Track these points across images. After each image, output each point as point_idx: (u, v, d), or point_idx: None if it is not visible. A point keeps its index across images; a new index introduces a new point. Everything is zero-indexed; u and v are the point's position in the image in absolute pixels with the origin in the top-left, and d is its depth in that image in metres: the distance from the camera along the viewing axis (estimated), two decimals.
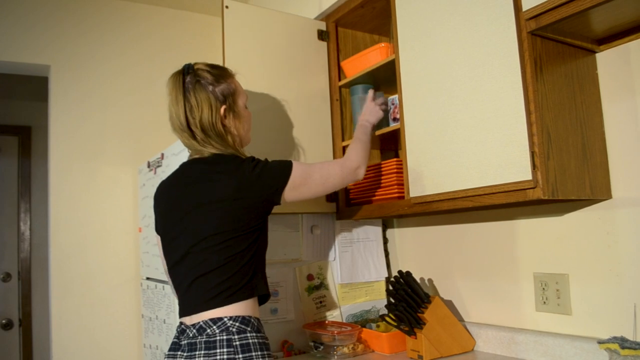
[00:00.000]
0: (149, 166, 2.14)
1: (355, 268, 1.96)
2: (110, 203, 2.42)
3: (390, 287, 1.64)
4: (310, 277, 1.89)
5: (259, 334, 1.23)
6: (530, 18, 1.21)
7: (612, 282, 1.35)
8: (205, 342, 1.18)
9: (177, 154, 1.78)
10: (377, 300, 2.00)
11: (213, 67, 1.38)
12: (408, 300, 1.57)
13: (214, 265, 1.24)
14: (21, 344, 3.61)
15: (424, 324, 1.54)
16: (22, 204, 3.73)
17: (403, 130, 1.57)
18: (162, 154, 1.96)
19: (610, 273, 1.36)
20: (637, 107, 1.31)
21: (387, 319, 1.64)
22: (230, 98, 1.36)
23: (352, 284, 1.95)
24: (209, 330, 1.19)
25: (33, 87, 3.26)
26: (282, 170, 1.32)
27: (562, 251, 1.46)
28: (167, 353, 1.29)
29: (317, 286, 1.90)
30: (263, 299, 1.34)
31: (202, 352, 1.17)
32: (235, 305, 1.22)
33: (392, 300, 1.62)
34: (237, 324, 1.20)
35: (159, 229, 1.42)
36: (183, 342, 1.24)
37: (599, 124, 1.37)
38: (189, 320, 1.26)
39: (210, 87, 1.33)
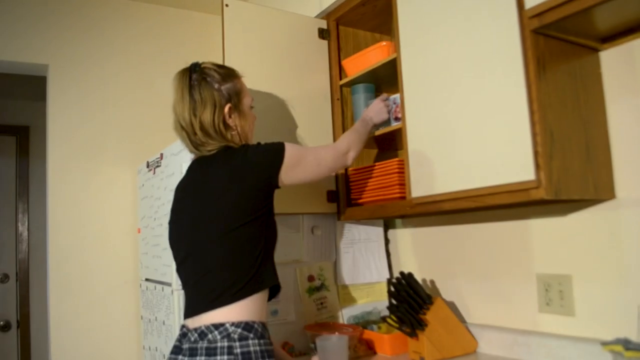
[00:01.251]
0: (148, 166, 2.13)
1: (357, 269, 1.95)
2: (109, 204, 2.41)
3: (392, 288, 1.62)
4: (311, 278, 1.88)
5: (262, 340, 1.20)
6: (534, 16, 1.20)
7: (615, 283, 1.34)
8: (207, 348, 1.16)
9: (177, 154, 1.77)
10: (379, 301, 1.99)
11: (220, 66, 1.39)
12: (410, 301, 1.56)
13: (219, 259, 1.22)
14: (19, 345, 3.60)
15: (426, 325, 1.53)
16: (19, 205, 3.71)
17: (405, 129, 1.56)
18: (162, 154, 1.95)
19: (614, 274, 1.34)
20: None
21: (389, 320, 1.62)
22: (235, 97, 1.37)
23: (353, 285, 1.94)
24: (210, 336, 1.17)
25: (31, 87, 3.25)
26: (275, 151, 1.31)
27: (566, 252, 1.45)
28: (169, 356, 1.27)
29: (317, 287, 1.88)
30: (273, 292, 1.31)
31: (203, 357, 1.15)
32: (240, 304, 1.19)
33: (394, 302, 1.61)
34: (239, 329, 1.17)
35: (169, 235, 1.41)
36: (185, 346, 1.22)
37: (603, 123, 1.36)
38: (192, 323, 1.24)
39: (217, 85, 1.34)
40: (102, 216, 2.38)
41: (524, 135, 1.20)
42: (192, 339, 1.20)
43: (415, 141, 1.51)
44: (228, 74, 1.38)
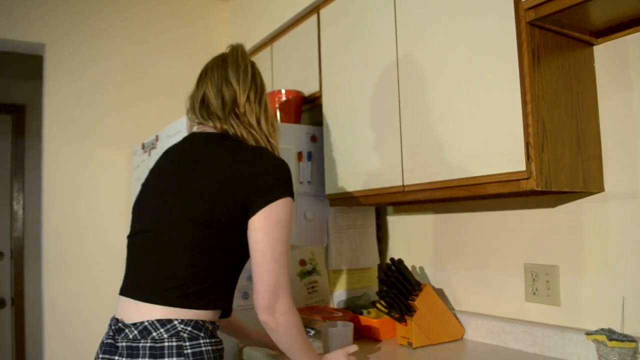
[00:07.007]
0: (143, 148, 2.14)
1: (348, 254, 1.97)
2: (104, 184, 2.41)
3: (382, 274, 1.64)
4: (302, 263, 1.90)
5: (212, 340, 1.11)
6: (530, 8, 1.21)
7: (601, 274, 1.36)
8: (150, 347, 1.04)
9: (172, 136, 1.78)
10: (369, 286, 2.01)
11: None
12: (399, 287, 1.58)
13: (185, 252, 1.11)
14: (13, 322, 3.62)
15: (415, 311, 1.55)
16: (15, 183, 3.71)
17: (399, 119, 1.56)
18: (157, 136, 1.96)
19: (600, 265, 1.37)
20: (632, 101, 1.31)
21: (378, 305, 1.64)
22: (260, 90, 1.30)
23: (344, 270, 1.96)
24: (155, 334, 1.05)
25: (28, 66, 3.23)
26: (280, 188, 1.14)
27: (553, 243, 1.47)
28: (100, 356, 1.10)
29: (309, 272, 1.90)
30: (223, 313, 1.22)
31: (146, 359, 1.03)
32: (188, 309, 1.10)
33: (384, 287, 1.63)
34: (189, 328, 1.07)
35: (142, 188, 1.28)
36: (121, 344, 1.07)
37: (594, 117, 1.37)
38: (128, 316, 1.11)
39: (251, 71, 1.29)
40: (97, 196, 2.39)
41: (516, 126, 1.21)
42: (131, 336, 1.07)
43: (409, 130, 1.52)
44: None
